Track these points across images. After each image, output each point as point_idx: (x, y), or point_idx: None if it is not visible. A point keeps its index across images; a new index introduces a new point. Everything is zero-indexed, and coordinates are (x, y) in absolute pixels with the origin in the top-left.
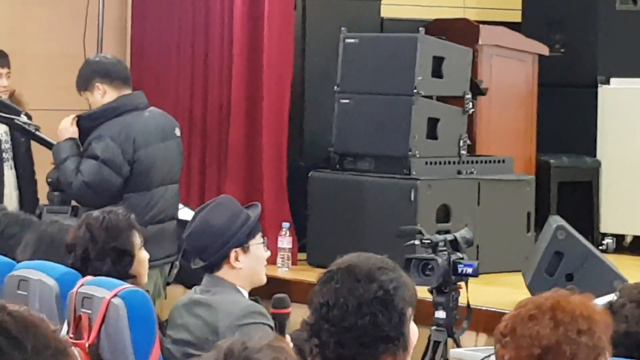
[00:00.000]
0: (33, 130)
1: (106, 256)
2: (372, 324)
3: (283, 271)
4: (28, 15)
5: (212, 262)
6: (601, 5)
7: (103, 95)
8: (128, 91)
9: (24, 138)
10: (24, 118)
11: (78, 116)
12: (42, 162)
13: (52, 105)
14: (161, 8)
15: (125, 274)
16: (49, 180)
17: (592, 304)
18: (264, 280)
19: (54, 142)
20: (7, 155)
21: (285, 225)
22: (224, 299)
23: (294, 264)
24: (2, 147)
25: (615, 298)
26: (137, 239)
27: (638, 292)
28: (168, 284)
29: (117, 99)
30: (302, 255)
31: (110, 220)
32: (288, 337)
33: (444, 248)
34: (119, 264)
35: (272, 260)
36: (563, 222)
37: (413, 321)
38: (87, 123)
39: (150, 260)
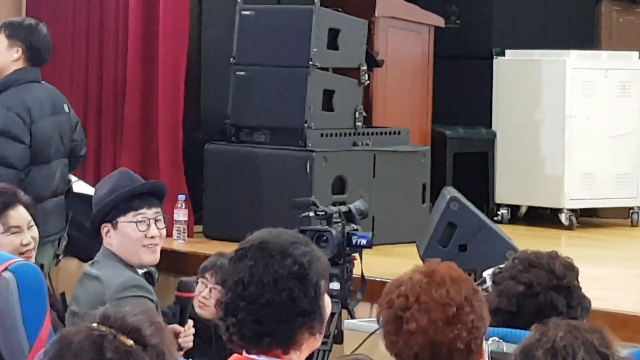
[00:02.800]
0: None
1: None
2: (289, 299)
3: (179, 243)
4: None
5: (89, 232)
6: None
7: (9, 53)
8: (26, 65)
9: None
10: None
11: None
12: None
13: None
14: None
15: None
16: None
17: (457, 270)
18: (144, 260)
19: None
20: None
21: (181, 197)
22: (109, 271)
23: (189, 236)
24: None
25: (500, 268)
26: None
27: (518, 269)
28: (57, 256)
29: (14, 72)
30: (199, 228)
31: None
32: (190, 322)
33: (339, 220)
34: None
35: (168, 233)
36: (456, 194)
37: None
38: None
39: (47, 235)
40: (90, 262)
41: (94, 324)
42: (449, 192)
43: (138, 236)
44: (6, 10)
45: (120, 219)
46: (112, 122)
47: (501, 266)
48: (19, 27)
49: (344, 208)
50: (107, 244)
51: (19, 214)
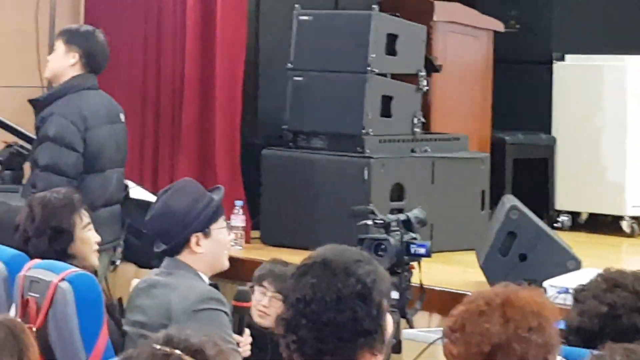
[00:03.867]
0: None
1: (43, 234)
2: (351, 319)
3: (236, 250)
4: None
5: (173, 247)
6: None
7: (68, 59)
8: (83, 72)
9: None
10: None
11: (32, 100)
12: None
13: (5, 82)
14: None
15: (63, 253)
16: (0, 159)
17: (542, 300)
18: (226, 265)
19: (5, 120)
20: None
21: (239, 203)
22: (182, 283)
23: (247, 242)
24: None
25: (583, 285)
26: (79, 219)
27: (602, 288)
28: (113, 263)
29: (71, 79)
30: (256, 234)
31: (49, 199)
32: (247, 331)
33: (397, 228)
34: (55, 242)
35: None
36: (516, 202)
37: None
38: (42, 105)
39: (101, 244)
40: (156, 271)
41: (157, 345)
42: (509, 200)
43: (227, 241)
44: (65, 15)
45: (213, 226)
46: (170, 128)
47: (584, 283)
48: (77, 33)
49: (402, 216)
50: (189, 254)
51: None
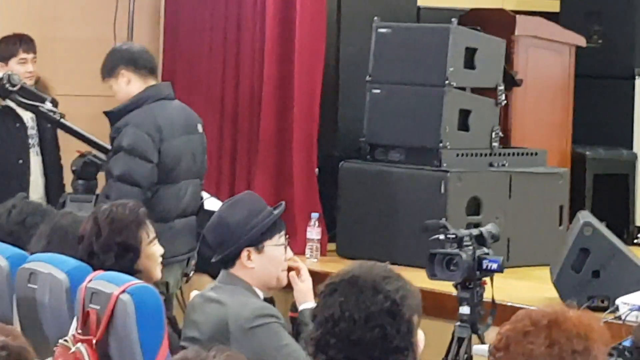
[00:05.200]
0: (57, 118)
1: (109, 250)
2: (381, 337)
3: (311, 262)
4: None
5: (225, 259)
6: None
7: (128, 83)
8: (154, 81)
9: (49, 125)
10: (48, 105)
11: (107, 112)
12: (67, 149)
13: (82, 91)
14: None
15: (130, 269)
16: (73, 168)
17: (590, 322)
18: (283, 282)
19: (79, 129)
20: (33, 142)
21: (315, 215)
22: (234, 299)
23: (323, 255)
24: (29, 133)
25: None
26: (145, 234)
27: None
28: (186, 275)
29: (145, 89)
30: (333, 246)
31: (116, 213)
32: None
33: (469, 243)
34: (122, 259)
35: (300, 251)
36: (591, 218)
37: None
38: (117, 116)
39: (174, 255)
40: (211, 285)
41: None
42: (584, 216)
43: (282, 259)
44: (143, 24)
45: (267, 242)
46: (247, 139)
47: None
48: (106, 63)
49: (475, 231)
50: (242, 268)
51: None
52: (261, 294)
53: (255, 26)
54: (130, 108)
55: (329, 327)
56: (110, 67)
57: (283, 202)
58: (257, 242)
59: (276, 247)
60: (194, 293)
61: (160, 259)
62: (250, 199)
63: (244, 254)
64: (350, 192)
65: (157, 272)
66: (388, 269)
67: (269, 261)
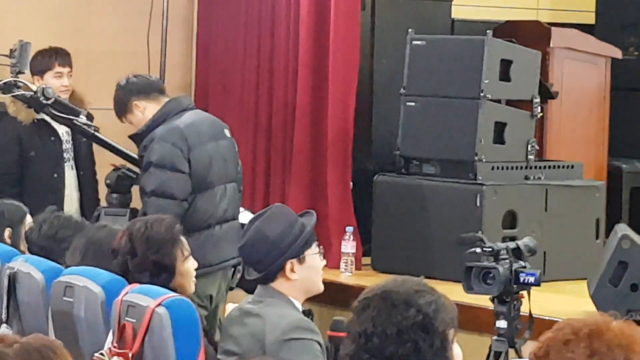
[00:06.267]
0: (92, 132)
1: (145, 269)
2: (414, 351)
3: (346, 276)
4: (93, 12)
5: (267, 274)
6: None
7: (143, 111)
8: (167, 98)
9: (84, 139)
10: (83, 119)
11: (132, 135)
12: (102, 163)
13: None
14: (228, 7)
15: (165, 287)
16: (108, 182)
17: (632, 333)
18: (321, 288)
19: (113, 143)
20: (68, 156)
21: (349, 229)
22: (273, 311)
23: (357, 268)
24: (64, 147)
25: None
26: (180, 252)
27: None
28: (231, 288)
29: (165, 105)
30: (368, 260)
31: (151, 231)
32: None
33: (506, 256)
34: (157, 278)
35: (335, 265)
36: (628, 231)
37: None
38: (142, 137)
39: (218, 262)
40: (248, 299)
41: None
42: (621, 229)
43: (321, 266)
44: (177, 38)
45: (307, 252)
46: (282, 152)
47: None
48: (117, 100)
49: (512, 245)
50: (286, 280)
51: (186, 242)
52: (300, 306)
53: (288, 39)
54: (154, 125)
55: (361, 342)
56: (122, 105)
57: (313, 211)
58: (299, 253)
59: (315, 256)
60: (230, 306)
61: (194, 274)
62: (283, 212)
63: (288, 266)
64: (384, 206)
65: (191, 288)
66: (422, 282)
67: (310, 270)
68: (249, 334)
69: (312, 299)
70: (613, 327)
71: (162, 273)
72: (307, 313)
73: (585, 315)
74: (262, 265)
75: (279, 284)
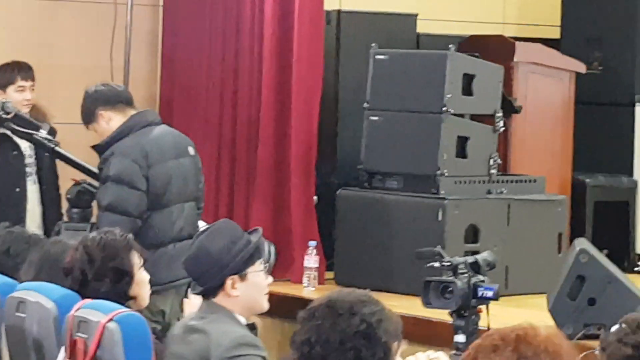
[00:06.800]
0: (52, 146)
1: (104, 276)
2: (356, 359)
3: (309, 290)
4: (57, 26)
5: (208, 289)
6: None
7: (108, 122)
8: (134, 111)
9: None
10: (43, 133)
11: (94, 146)
12: (64, 177)
13: (79, 119)
14: (193, 22)
15: (124, 295)
16: (68, 196)
17: (560, 340)
18: (265, 307)
19: (74, 158)
20: (31, 170)
21: (312, 243)
22: (217, 328)
23: (321, 283)
24: (26, 161)
25: (607, 333)
26: (136, 259)
27: (626, 332)
28: None
29: (130, 118)
30: (332, 275)
31: (107, 240)
32: None
33: (465, 270)
34: (118, 284)
35: (298, 279)
36: (587, 245)
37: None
38: (105, 148)
39: (170, 281)
40: (191, 315)
41: None
42: (580, 243)
43: (264, 286)
44: (140, 51)
45: (250, 269)
46: (245, 166)
47: (611, 330)
48: (83, 107)
49: (470, 259)
50: (226, 297)
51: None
52: (244, 321)
53: (253, 53)
54: (117, 138)
55: (304, 351)
56: (88, 113)
57: (260, 228)
58: (240, 270)
59: (259, 273)
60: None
61: (148, 285)
62: (228, 227)
63: (229, 282)
64: (347, 220)
65: (146, 299)
66: (367, 294)
67: (252, 287)
68: (194, 351)
69: (275, 315)
70: (541, 333)
71: (122, 278)
72: (251, 327)
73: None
74: (204, 280)
75: (221, 300)
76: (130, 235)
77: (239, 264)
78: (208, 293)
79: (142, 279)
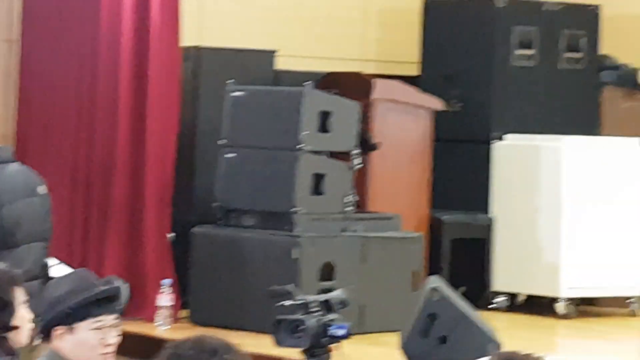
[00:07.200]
0: None
1: None
2: None
3: (162, 330)
4: None
5: (41, 332)
6: (496, 60)
7: None
8: None
9: None
10: None
11: None
12: None
13: None
14: (50, 59)
15: (5, 328)
16: None
17: None
18: None
19: None
20: None
21: (166, 282)
22: None
23: (175, 322)
24: None
25: None
26: (21, 295)
27: None
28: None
29: None
30: (187, 313)
31: None
32: None
33: (317, 309)
34: None
35: (150, 318)
36: (439, 283)
37: None
38: None
39: None
40: None
41: None
42: (432, 281)
43: (95, 344)
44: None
45: (77, 324)
46: (101, 204)
47: None
48: None
49: (322, 297)
50: (57, 346)
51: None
52: None
53: (109, 91)
54: None
55: None
56: None
57: (116, 285)
58: (66, 322)
59: (90, 332)
60: None
61: (29, 326)
62: (79, 277)
63: (56, 331)
64: (202, 258)
65: (25, 338)
66: (222, 342)
67: (78, 344)
68: None
69: (127, 353)
70: None
71: (4, 310)
72: None
73: None
74: (39, 322)
75: (56, 346)
76: (18, 271)
77: (65, 315)
78: (43, 336)
79: (22, 316)
